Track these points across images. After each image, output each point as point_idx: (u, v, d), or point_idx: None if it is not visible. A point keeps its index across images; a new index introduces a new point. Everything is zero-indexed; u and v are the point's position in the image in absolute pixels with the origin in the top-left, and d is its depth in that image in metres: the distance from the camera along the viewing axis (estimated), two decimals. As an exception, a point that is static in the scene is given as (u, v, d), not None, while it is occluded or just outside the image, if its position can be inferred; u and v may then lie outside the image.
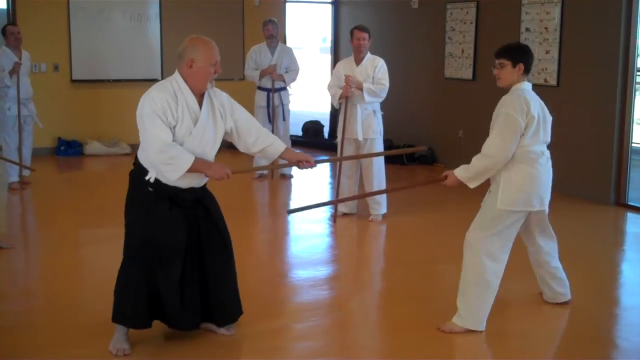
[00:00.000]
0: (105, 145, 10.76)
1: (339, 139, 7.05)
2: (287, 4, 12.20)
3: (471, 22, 9.47)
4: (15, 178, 8.26)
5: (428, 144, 10.14)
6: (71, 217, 7.20)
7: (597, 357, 4.19)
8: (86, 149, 10.71)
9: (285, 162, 4.43)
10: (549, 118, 4.48)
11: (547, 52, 8.28)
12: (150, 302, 3.96)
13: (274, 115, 8.88)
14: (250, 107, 9.21)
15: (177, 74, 3.95)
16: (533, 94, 4.42)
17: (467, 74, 9.54)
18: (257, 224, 7.33)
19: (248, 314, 4.63)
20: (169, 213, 3.92)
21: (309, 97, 19.05)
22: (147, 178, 3.89)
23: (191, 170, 3.82)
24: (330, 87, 7.10)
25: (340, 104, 6.99)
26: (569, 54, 8.08)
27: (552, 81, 8.19)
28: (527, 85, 4.40)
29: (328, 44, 13.55)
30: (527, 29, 8.52)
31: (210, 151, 4.03)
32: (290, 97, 9.20)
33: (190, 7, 11.17)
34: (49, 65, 10.48)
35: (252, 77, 8.95)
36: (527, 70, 4.40)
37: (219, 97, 4.13)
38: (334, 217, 7.07)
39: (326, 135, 12.53)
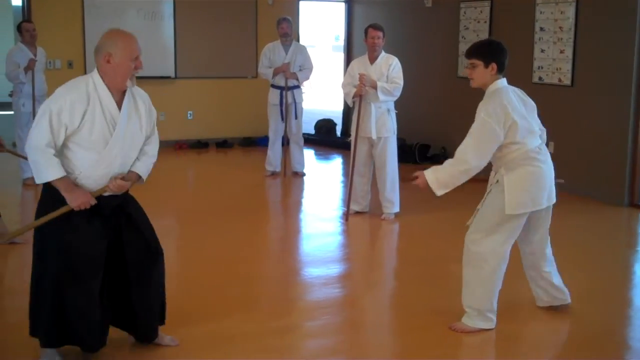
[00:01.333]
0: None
1: (352, 138, 7.04)
2: (301, 2, 12.20)
3: (485, 21, 9.44)
4: (29, 174, 8.30)
5: (441, 143, 10.13)
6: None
7: (609, 357, 4.17)
8: (100, 146, 10.74)
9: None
10: (533, 106, 4.36)
11: (561, 52, 8.24)
12: (60, 323, 3.67)
13: (287, 113, 8.89)
14: (263, 105, 9.28)
15: (94, 72, 3.65)
16: (510, 90, 4.26)
17: (481, 73, 9.50)
18: (269, 221, 7.34)
19: (259, 311, 4.67)
20: (87, 225, 3.63)
21: (322, 95, 19.05)
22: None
23: (54, 184, 3.54)
24: (344, 86, 7.10)
25: (354, 102, 6.99)
26: (584, 53, 8.04)
27: (567, 81, 8.15)
28: (501, 83, 4.24)
29: (341, 42, 13.54)
30: (542, 29, 8.48)
31: (133, 153, 3.75)
32: (303, 96, 9.20)
33: (204, 5, 11.18)
34: (63, 61, 10.54)
35: (265, 75, 8.96)
36: (500, 69, 4.24)
37: (145, 99, 3.83)
38: (346, 216, 7.07)
39: (339, 133, 12.52)
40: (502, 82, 4.26)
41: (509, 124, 4.13)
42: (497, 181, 4.30)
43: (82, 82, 3.62)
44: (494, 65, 4.21)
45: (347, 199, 7.17)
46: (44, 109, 3.53)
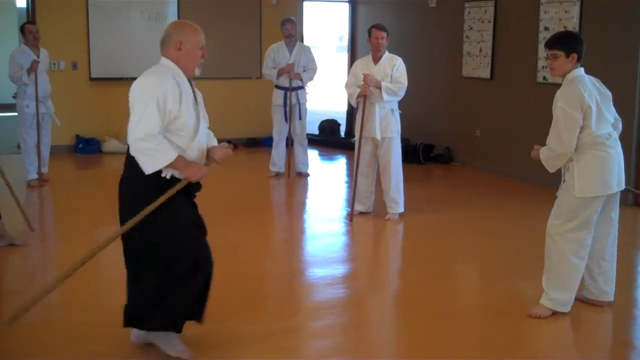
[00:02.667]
0: (123, 143, 10.81)
1: (356, 138, 7.04)
2: (305, 3, 12.21)
3: (489, 21, 9.43)
4: (34, 175, 8.33)
5: (445, 143, 10.13)
6: (88, 214, 7.24)
7: (615, 357, 4.17)
8: (104, 147, 10.78)
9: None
10: (608, 95, 4.55)
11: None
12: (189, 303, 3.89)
13: (291, 114, 8.89)
14: (267, 106, 9.28)
15: (165, 60, 3.75)
16: (587, 79, 4.47)
17: (485, 73, 9.50)
18: (273, 222, 7.34)
19: (264, 312, 4.66)
20: (190, 207, 3.92)
21: (326, 96, 19.06)
22: (163, 175, 3.68)
23: (169, 166, 3.63)
24: (347, 86, 7.09)
25: (358, 102, 6.98)
26: (588, 52, 7.95)
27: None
28: (579, 72, 4.45)
29: (345, 42, 13.54)
30: (546, 28, 8.47)
31: (205, 143, 3.91)
32: (307, 96, 9.20)
33: (208, 6, 11.20)
34: (67, 63, 10.55)
35: (270, 76, 8.96)
36: (579, 59, 4.44)
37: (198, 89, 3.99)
38: (351, 216, 7.07)
39: (343, 134, 12.53)
40: (580, 70, 4.48)
41: (585, 108, 4.33)
42: (569, 169, 4.46)
43: (164, 69, 3.71)
44: (574, 56, 4.42)
45: (352, 200, 7.16)
46: (146, 99, 3.56)
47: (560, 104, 4.36)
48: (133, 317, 3.87)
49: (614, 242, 4.68)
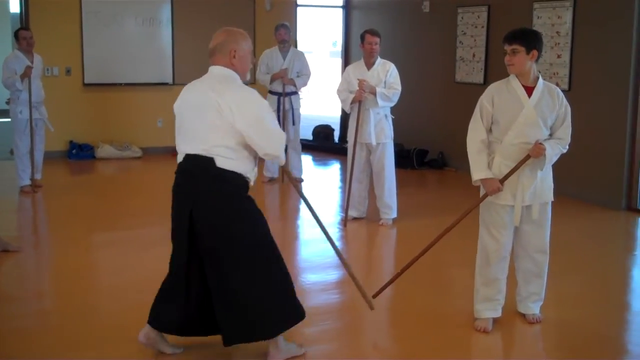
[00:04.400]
0: (116, 149, 10.81)
1: (350, 144, 7.05)
2: (298, 8, 12.23)
3: (482, 26, 9.46)
4: (27, 181, 8.31)
5: (439, 148, 10.15)
6: (82, 220, 7.23)
7: (609, 362, 4.19)
8: (98, 153, 10.76)
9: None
10: None
11: (558, 57, 8.27)
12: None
13: (284, 119, 8.89)
14: (261, 111, 9.27)
15: (220, 69, 3.92)
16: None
17: (479, 78, 9.54)
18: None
19: (258, 317, 4.65)
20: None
21: (319, 101, 19.07)
22: (248, 181, 3.84)
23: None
24: (340, 92, 7.09)
25: (351, 108, 6.98)
26: (581, 58, 8.07)
27: (564, 85, 8.16)
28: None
29: (338, 48, 13.56)
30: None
31: None
32: (301, 102, 9.20)
33: (201, 11, 11.20)
34: (61, 68, 10.54)
35: (263, 81, 8.96)
36: (539, 57, 4.34)
37: None
38: (344, 222, 7.07)
39: (336, 139, 12.54)
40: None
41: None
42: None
43: (236, 79, 3.92)
44: (534, 52, 4.29)
45: (345, 205, 7.17)
46: (269, 114, 3.84)
47: (566, 102, 4.37)
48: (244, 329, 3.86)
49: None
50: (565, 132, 4.37)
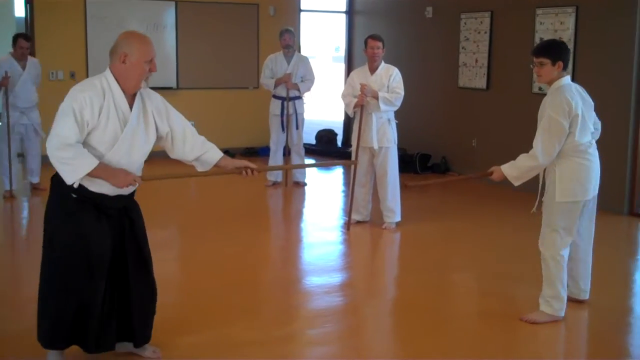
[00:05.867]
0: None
1: (353, 148, 7.08)
2: (302, 13, 12.28)
3: (485, 32, 9.50)
4: (36, 179, 8.38)
5: (442, 153, 10.17)
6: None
7: (610, 365, 4.21)
8: (102, 156, 10.76)
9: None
10: (591, 104, 4.65)
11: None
12: (73, 322, 3.68)
13: (288, 123, 8.93)
14: (264, 116, 9.32)
15: (107, 72, 3.64)
16: (573, 87, 4.56)
17: (481, 83, 9.57)
18: (270, 231, 7.36)
19: (261, 319, 4.69)
20: (95, 223, 3.64)
21: (323, 106, 19.10)
22: (72, 184, 3.56)
23: (92, 175, 3.51)
24: (344, 96, 7.14)
25: (355, 113, 7.02)
26: (583, 63, 8.09)
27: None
28: (565, 80, 4.54)
29: (341, 53, 13.60)
30: (541, 39, 8.53)
31: (138, 158, 3.73)
32: (305, 106, 9.24)
33: (206, 16, 11.25)
34: (65, 72, 10.57)
35: (267, 86, 9.00)
36: (565, 67, 4.53)
37: (153, 99, 3.81)
38: (348, 225, 7.10)
39: (340, 143, 12.57)
40: (567, 79, 4.57)
41: (572, 116, 4.44)
42: (550, 176, 4.59)
43: (97, 80, 3.63)
44: (560, 64, 4.51)
45: (349, 209, 7.20)
46: (65, 108, 3.51)
47: (549, 112, 4.46)
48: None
49: (591, 244, 4.86)
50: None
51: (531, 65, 4.65)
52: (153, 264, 3.95)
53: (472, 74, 9.72)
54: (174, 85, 11.01)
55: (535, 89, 8.59)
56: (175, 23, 11.11)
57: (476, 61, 9.64)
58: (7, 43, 8.62)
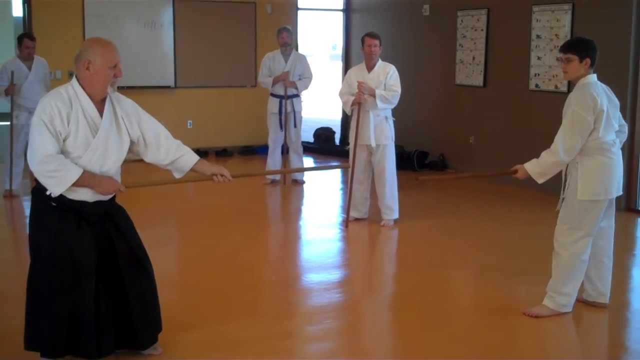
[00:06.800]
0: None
1: (351, 146, 7.10)
2: (299, 12, 12.30)
3: (482, 29, 9.52)
4: (6, 186, 8.33)
5: (439, 150, 10.20)
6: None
7: (608, 359, 4.23)
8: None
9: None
10: (617, 103, 4.66)
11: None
12: (67, 331, 3.65)
13: (286, 121, 8.95)
14: (262, 114, 9.34)
15: (74, 80, 3.67)
16: (599, 85, 4.56)
17: (478, 80, 9.59)
18: (269, 228, 7.39)
19: (261, 316, 4.72)
20: (76, 231, 3.64)
21: (320, 104, 19.12)
22: (48, 193, 3.58)
23: (77, 184, 3.55)
24: (341, 94, 7.16)
25: (352, 110, 7.05)
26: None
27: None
28: (592, 78, 4.54)
29: (338, 51, 13.60)
30: (538, 36, 8.57)
31: (113, 163, 3.74)
32: (302, 104, 9.26)
33: (203, 14, 11.27)
34: (64, 72, 10.57)
35: (265, 84, 9.02)
36: (592, 64, 4.53)
37: (123, 104, 3.83)
38: (346, 222, 7.13)
39: (337, 141, 12.59)
40: (593, 77, 4.57)
41: (597, 112, 4.42)
42: (572, 173, 4.56)
43: (62, 89, 3.66)
44: (587, 61, 4.51)
45: (347, 206, 7.23)
46: (35, 122, 3.55)
47: (574, 107, 4.44)
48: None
49: (611, 246, 4.79)
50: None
51: (558, 61, 4.65)
52: (152, 264, 3.96)
53: (469, 71, 9.75)
54: (171, 83, 10.99)
55: (532, 86, 8.62)
56: (172, 21, 11.11)
57: (473, 58, 9.66)
58: (6, 42, 8.65)
